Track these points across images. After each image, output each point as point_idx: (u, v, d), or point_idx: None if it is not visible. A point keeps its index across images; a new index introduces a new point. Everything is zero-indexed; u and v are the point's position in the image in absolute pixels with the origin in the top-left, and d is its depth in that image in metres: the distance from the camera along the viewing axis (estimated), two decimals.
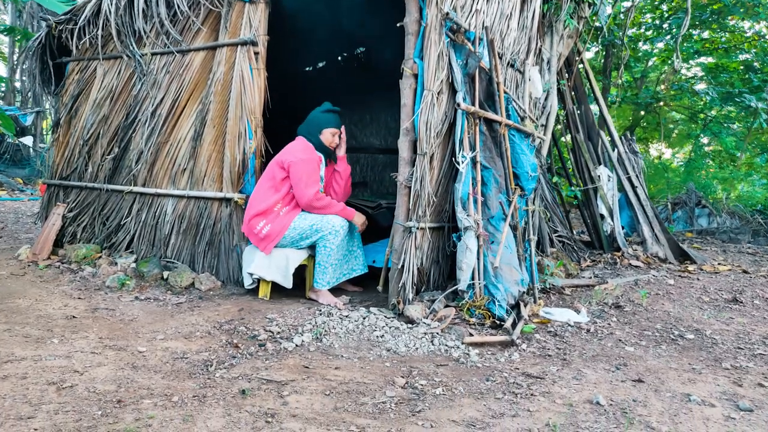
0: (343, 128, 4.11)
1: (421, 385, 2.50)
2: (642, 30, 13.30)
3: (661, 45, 13.74)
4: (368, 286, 4.26)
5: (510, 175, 3.93)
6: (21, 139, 16.73)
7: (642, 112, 15.02)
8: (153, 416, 2.06)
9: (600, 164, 6.84)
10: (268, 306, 3.66)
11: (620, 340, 3.29)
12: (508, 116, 4.05)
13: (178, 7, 4.29)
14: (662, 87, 14.74)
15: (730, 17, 12.35)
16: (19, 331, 3.00)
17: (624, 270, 5.65)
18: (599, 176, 6.74)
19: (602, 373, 2.74)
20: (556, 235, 5.92)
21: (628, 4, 11.37)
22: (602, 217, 6.68)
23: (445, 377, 2.61)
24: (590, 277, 5.07)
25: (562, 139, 7.55)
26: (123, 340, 2.96)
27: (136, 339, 2.99)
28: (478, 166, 3.70)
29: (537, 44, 5.22)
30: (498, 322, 3.37)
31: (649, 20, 13.25)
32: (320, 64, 7.42)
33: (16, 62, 17.25)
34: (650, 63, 14.86)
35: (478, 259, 3.53)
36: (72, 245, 4.82)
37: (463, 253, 3.49)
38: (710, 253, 7.18)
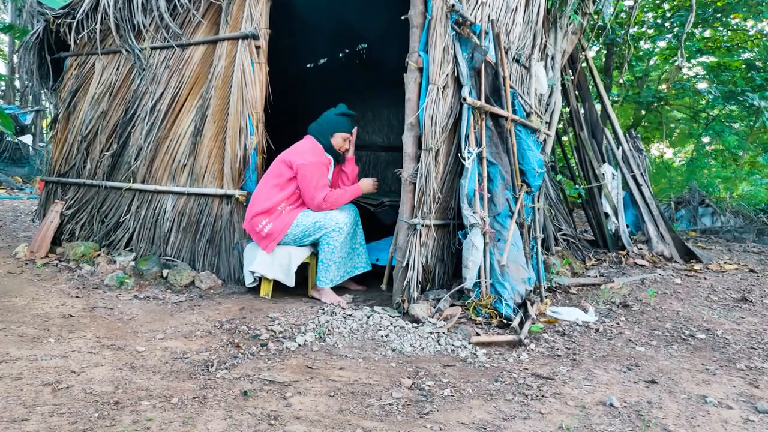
0: (354, 131, 4.02)
1: (429, 386, 2.43)
2: (644, 29, 13.23)
3: (662, 44, 13.67)
4: (371, 285, 4.19)
5: (516, 171, 3.86)
6: (20, 138, 16.63)
7: (643, 112, 14.94)
8: (151, 418, 1.99)
9: (604, 162, 6.76)
10: (270, 305, 3.58)
11: (630, 339, 3.22)
12: (515, 111, 3.98)
13: (179, 0, 4.21)
14: (663, 86, 14.67)
15: (732, 15, 12.27)
16: (14, 331, 2.93)
17: (629, 269, 5.58)
18: (603, 174, 6.66)
19: (614, 373, 2.66)
20: (561, 233, 5.85)
21: (630, 2, 11.31)
22: (606, 215, 6.60)
23: (452, 378, 2.54)
24: (596, 276, 4.99)
25: (564, 137, 7.48)
26: (121, 340, 2.88)
27: (135, 338, 2.92)
28: (485, 162, 3.63)
29: (542, 39, 5.14)
30: (505, 321, 3.30)
31: (651, 19, 13.17)
32: (321, 61, 7.35)
33: (16, 62, 17.15)
34: (651, 62, 14.78)
35: (485, 257, 3.45)
36: (70, 243, 4.74)
37: (469, 251, 3.42)
38: (715, 252, 7.11)
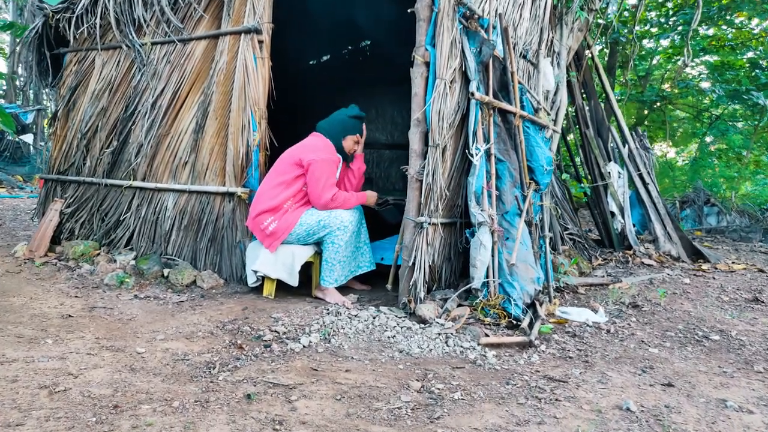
0: (364, 131, 3.93)
1: (438, 389, 2.35)
2: (647, 27, 13.14)
3: (665, 42, 13.58)
4: (376, 284, 4.11)
5: (525, 168, 3.77)
6: (21, 137, 16.58)
7: (646, 111, 14.85)
8: (151, 423, 1.91)
9: (610, 161, 6.68)
10: (273, 305, 3.50)
11: (643, 341, 3.14)
12: (523, 107, 3.90)
13: None
14: (666, 86, 14.57)
15: (737, 13, 12.18)
16: (11, 331, 2.85)
17: (637, 269, 5.50)
18: (609, 173, 6.57)
19: (628, 376, 2.58)
20: (567, 232, 5.77)
21: (634, 1, 11.22)
22: (613, 214, 6.52)
23: (462, 380, 2.46)
24: (603, 276, 4.91)
25: (569, 135, 7.39)
26: (121, 341, 2.80)
27: (135, 339, 2.84)
28: (492, 158, 3.55)
29: (549, 35, 5.06)
30: (514, 322, 3.22)
31: (654, 17, 13.08)
32: (325, 58, 7.26)
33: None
34: (654, 61, 14.69)
35: (493, 256, 3.37)
36: (70, 242, 4.66)
37: (477, 250, 3.34)
38: (722, 251, 7.03)
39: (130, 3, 4.41)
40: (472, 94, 3.44)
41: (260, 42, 3.91)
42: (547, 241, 3.96)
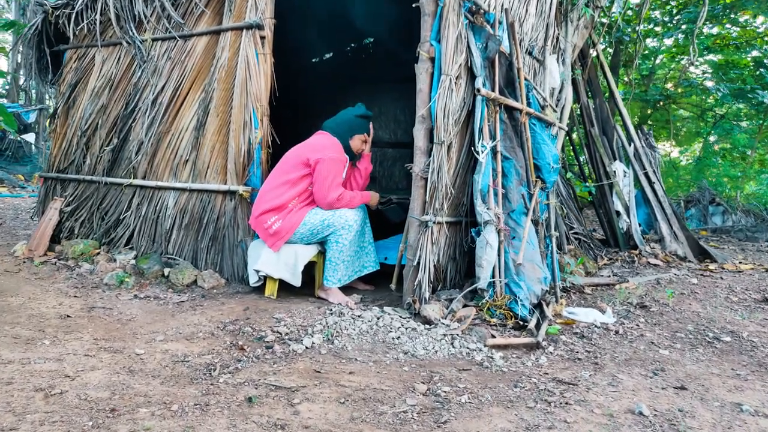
0: (371, 129, 3.87)
1: (445, 391, 2.28)
2: (651, 26, 13.04)
3: (668, 41, 13.48)
4: (380, 284, 4.04)
5: (531, 166, 3.71)
6: (23, 136, 16.55)
7: (649, 110, 14.75)
8: (150, 428, 1.85)
9: (615, 159, 6.60)
10: (276, 305, 3.44)
11: (652, 342, 3.07)
12: (529, 104, 3.83)
13: None
14: (670, 85, 14.47)
15: (741, 12, 12.09)
16: (8, 332, 2.79)
17: (643, 268, 5.43)
18: (615, 172, 6.50)
19: (639, 378, 2.52)
20: (572, 232, 5.70)
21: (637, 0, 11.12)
22: (618, 214, 6.44)
23: (469, 383, 2.39)
24: (609, 276, 4.84)
25: (574, 134, 7.33)
26: (120, 342, 2.74)
27: (134, 340, 2.78)
28: (499, 156, 3.48)
29: (554, 32, 4.99)
30: (521, 322, 3.15)
31: (658, 15, 12.99)
32: (327, 56, 7.19)
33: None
34: (658, 60, 14.59)
35: (499, 255, 3.31)
36: (69, 241, 4.61)
37: (483, 250, 3.27)
38: (728, 251, 6.95)
39: None
40: (478, 90, 3.38)
41: (262, 38, 3.85)
42: (554, 240, 3.89)
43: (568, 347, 2.94)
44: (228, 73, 3.96)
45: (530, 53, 4.45)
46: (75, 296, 3.57)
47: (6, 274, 4.06)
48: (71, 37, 4.78)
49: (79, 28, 4.68)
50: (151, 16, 4.33)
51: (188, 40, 4.20)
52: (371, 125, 3.88)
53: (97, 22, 4.56)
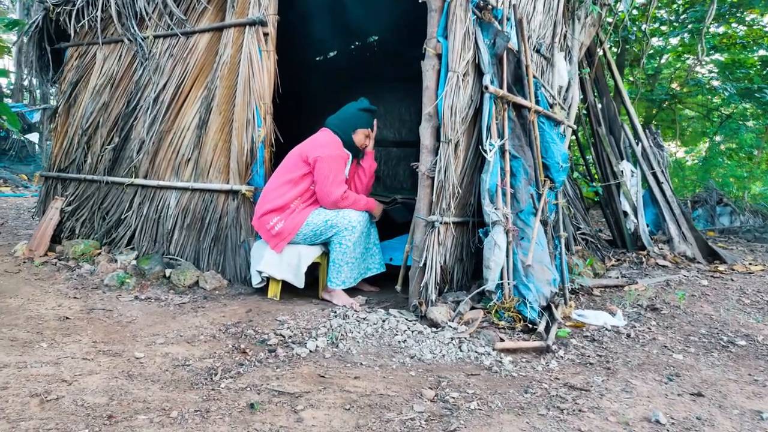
0: (375, 125, 3.80)
1: (453, 398, 2.21)
2: (656, 25, 12.93)
3: (674, 41, 13.37)
4: (385, 286, 3.97)
5: (540, 165, 3.63)
6: (27, 136, 16.54)
7: (655, 110, 14.64)
8: None
9: (623, 159, 6.52)
10: (279, 307, 3.37)
11: (665, 346, 2.99)
12: (537, 102, 3.75)
13: None
14: (675, 84, 14.35)
15: (748, 10, 11.97)
16: (5, 334, 2.73)
17: (651, 270, 5.34)
18: (622, 171, 6.41)
19: (654, 384, 2.44)
20: (579, 232, 5.62)
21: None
22: (625, 214, 6.35)
23: (478, 389, 2.32)
24: (617, 277, 4.76)
25: (579, 134, 7.22)
26: (119, 345, 2.68)
27: (134, 343, 2.71)
28: (507, 155, 3.40)
29: (562, 29, 4.91)
30: (529, 325, 3.07)
31: (664, 14, 12.87)
32: (331, 54, 7.12)
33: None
34: (663, 60, 14.47)
35: (507, 256, 3.23)
36: (70, 241, 4.54)
37: (491, 251, 3.19)
38: (737, 252, 6.85)
39: None
40: (486, 87, 3.30)
41: (265, 34, 3.78)
42: (563, 241, 3.81)
43: (578, 351, 2.86)
44: (231, 71, 3.89)
45: (538, 51, 4.37)
46: (75, 297, 3.51)
47: (6, 274, 4.00)
48: (72, 35, 4.73)
49: (80, 25, 4.62)
50: (152, 12, 4.27)
51: (190, 37, 4.13)
52: (375, 121, 3.81)
53: (98, 19, 4.50)
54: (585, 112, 6.74)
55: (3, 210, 8.28)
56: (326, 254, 3.61)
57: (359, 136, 3.67)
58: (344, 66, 7.08)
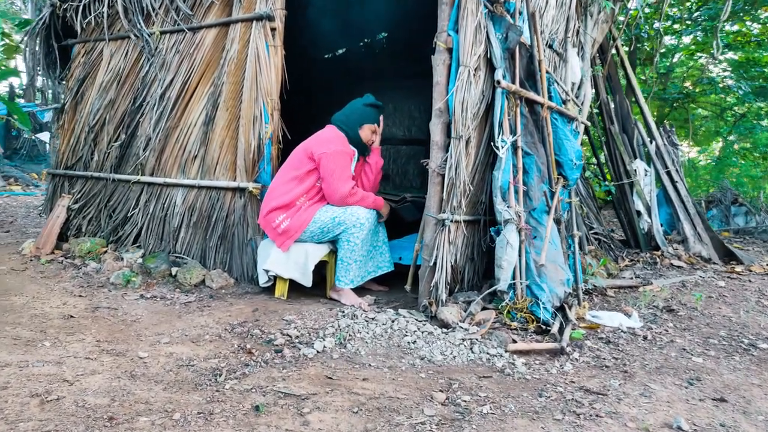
0: (381, 121, 3.73)
1: (465, 401, 2.13)
2: (669, 23, 12.76)
3: (686, 39, 13.19)
4: (394, 285, 3.89)
5: (553, 162, 3.54)
6: (38, 135, 16.64)
7: (667, 109, 14.45)
8: None
9: (636, 158, 6.40)
10: (286, 306, 3.31)
11: (684, 349, 2.89)
12: (550, 98, 3.66)
13: None
14: (688, 83, 14.16)
15: (763, 8, 11.78)
16: (8, 333, 2.68)
17: (666, 270, 5.23)
18: (635, 170, 6.29)
19: (673, 389, 2.35)
20: (592, 232, 5.52)
21: None
22: (639, 213, 6.24)
23: (490, 392, 2.24)
24: (632, 278, 4.66)
25: (592, 132, 7.12)
26: (123, 344, 2.63)
27: (138, 342, 2.66)
28: (519, 152, 3.32)
29: (575, 25, 4.82)
30: (543, 326, 2.99)
31: (677, 12, 12.70)
32: (340, 51, 7.05)
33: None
34: (676, 58, 14.28)
35: (520, 256, 3.15)
36: (77, 239, 4.51)
37: (503, 250, 3.11)
38: (754, 253, 6.70)
39: None
40: (498, 82, 3.22)
41: (273, 29, 3.72)
42: (576, 240, 3.72)
43: (594, 353, 2.77)
44: (238, 67, 3.84)
45: (550, 46, 4.28)
46: (80, 296, 3.46)
47: (12, 272, 3.97)
48: (79, 31, 4.70)
49: (86, 21, 4.58)
50: (159, 8, 4.22)
51: (197, 33, 4.08)
52: (381, 117, 3.73)
53: (105, 15, 4.46)
54: (597, 110, 6.63)
55: (13, 208, 8.30)
56: (334, 252, 3.55)
57: (365, 132, 3.60)
58: (353, 62, 7.01)
